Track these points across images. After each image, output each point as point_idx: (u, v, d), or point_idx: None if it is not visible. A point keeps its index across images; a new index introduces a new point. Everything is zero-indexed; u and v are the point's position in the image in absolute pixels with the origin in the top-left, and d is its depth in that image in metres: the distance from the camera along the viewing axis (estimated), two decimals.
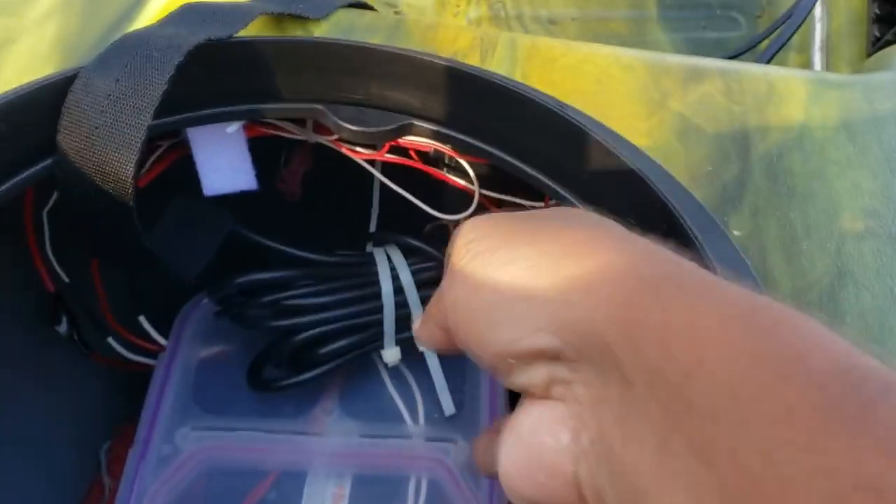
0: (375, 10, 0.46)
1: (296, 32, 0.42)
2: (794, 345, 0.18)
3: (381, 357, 0.46)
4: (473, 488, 0.42)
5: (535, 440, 0.22)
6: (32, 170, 0.34)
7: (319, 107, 0.38)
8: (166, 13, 0.38)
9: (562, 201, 0.36)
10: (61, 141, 0.33)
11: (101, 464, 0.50)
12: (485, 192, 0.43)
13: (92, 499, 0.49)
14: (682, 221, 0.31)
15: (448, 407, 0.46)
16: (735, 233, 0.35)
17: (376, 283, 0.44)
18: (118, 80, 0.32)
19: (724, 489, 0.17)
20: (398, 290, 0.45)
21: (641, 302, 0.20)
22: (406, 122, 0.38)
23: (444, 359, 0.46)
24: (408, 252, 0.46)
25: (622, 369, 0.19)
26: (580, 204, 0.35)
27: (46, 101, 0.33)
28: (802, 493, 0.15)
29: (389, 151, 0.41)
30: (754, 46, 0.64)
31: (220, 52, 0.35)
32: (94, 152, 0.32)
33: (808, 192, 0.37)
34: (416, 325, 0.31)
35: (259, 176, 0.42)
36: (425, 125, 0.38)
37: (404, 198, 0.43)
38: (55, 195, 0.39)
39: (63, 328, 0.46)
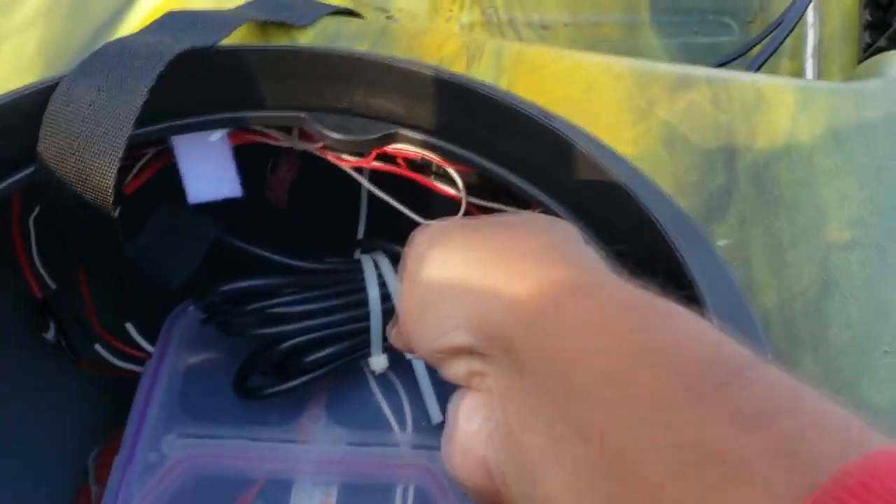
0: (362, 17, 0.46)
1: (281, 40, 0.41)
2: (666, 336, 0.20)
3: (368, 364, 0.46)
4: (460, 496, 0.41)
5: (456, 425, 0.25)
6: (14, 178, 0.33)
7: (304, 115, 0.38)
8: (150, 20, 0.38)
9: (547, 210, 0.36)
10: (42, 150, 0.33)
11: (89, 471, 0.50)
12: (472, 199, 0.43)
13: None
14: (664, 232, 0.30)
15: (435, 414, 0.45)
16: (721, 242, 0.35)
17: (363, 290, 0.44)
18: (99, 88, 0.32)
19: (594, 465, 0.19)
20: (385, 297, 0.44)
21: (541, 302, 0.22)
22: (391, 130, 0.38)
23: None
24: (395, 259, 0.45)
25: (522, 362, 0.22)
26: (564, 213, 0.35)
27: (27, 109, 0.33)
28: (657, 465, 0.17)
29: (377, 159, 0.41)
30: (746, 52, 0.63)
31: (204, 61, 0.35)
32: (74, 161, 0.32)
33: (794, 202, 0.37)
34: (390, 329, 0.32)
35: (246, 183, 0.42)
36: (411, 134, 0.38)
37: (392, 205, 0.43)
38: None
39: (50, 335, 0.46)
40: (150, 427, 0.44)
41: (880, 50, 0.58)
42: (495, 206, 0.42)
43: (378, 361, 0.46)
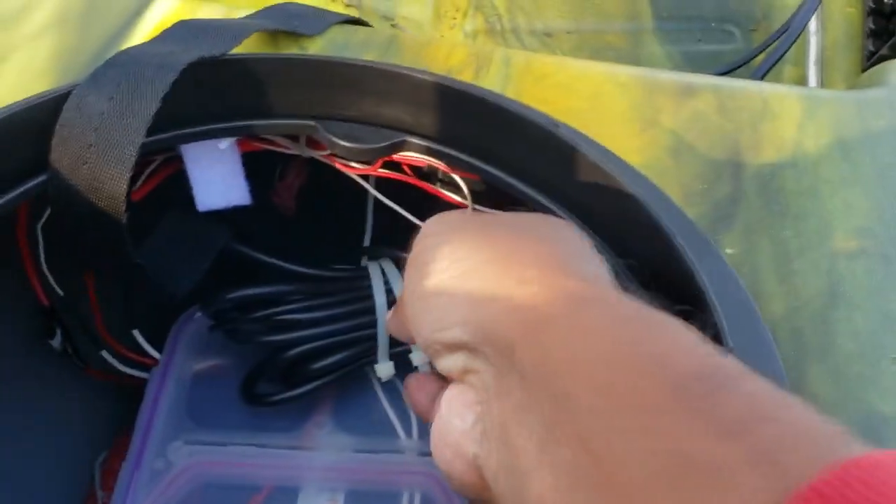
0: (371, 27, 0.46)
1: (290, 49, 0.42)
2: (657, 348, 0.20)
3: (374, 371, 0.46)
4: (466, 503, 0.42)
5: (447, 420, 0.25)
6: (24, 187, 0.34)
7: (313, 123, 0.38)
8: (161, 30, 0.38)
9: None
10: (54, 159, 0.33)
11: (95, 477, 0.50)
12: (478, 207, 0.43)
13: None
14: (673, 240, 0.30)
15: None
16: (728, 251, 0.36)
17: (370, 297, 0.44)
18: (111, 98, 0.32)
19: (579, 469, 0.19)
20: (392, 304, 0.45)
21: (544, 311, 0.23)
22: (400, 139, 0.38)
23: None
24: (402, 266, 0.46)
25: (523, 366, 0.22)
26: (572, 221, 0.35)
27: (39, 118, 0.33)
28: (638, 471, 0.18)
29: (383, 166, 0.41)
30: (750, 60, 0.64)
31: (214, 70, 0.35)
32: (86, 170, 0.32)
33: (800, 211, 0.37)
34: (388, 315, 0.33)
35: (254, 190, 0.42)
36: (419, 142, 0.38)
37: (398, 212, 0.43)
38: (49, 210, 0.39)
39: (57, 342, 0.46)
40: (156, 434, 0.44)
41: (884, 58, 0.58)
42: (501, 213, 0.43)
43: (384, 368, 0.46)
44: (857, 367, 0.32)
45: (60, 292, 0.44)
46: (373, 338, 0.44)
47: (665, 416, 0.18)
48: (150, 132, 0.33)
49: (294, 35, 0.42)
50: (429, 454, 0.44)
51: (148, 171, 0.40)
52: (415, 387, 0.30)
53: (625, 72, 0.43)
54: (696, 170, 0.38)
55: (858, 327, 0.33)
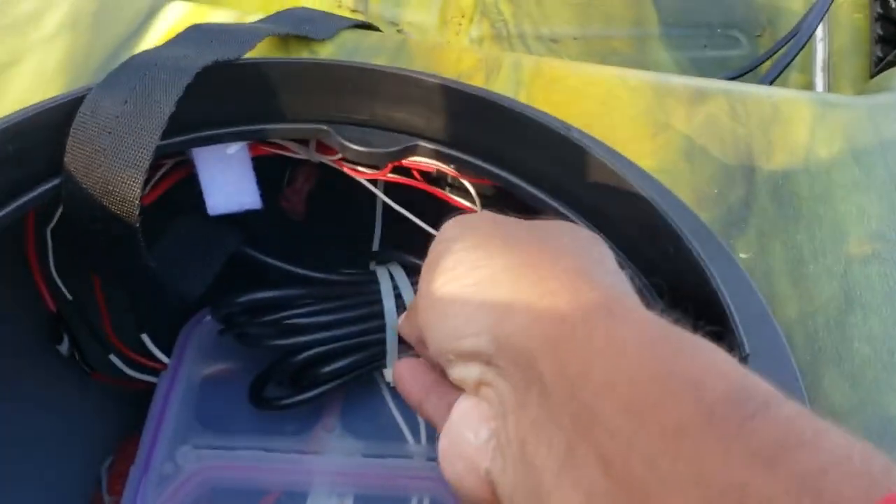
0: (380, 31, 0.46)
1: (302, 53, 0.42)
2: (691, 369, 0.20)
3: (383, 376, 0.46)
4: None
5: (459, 433, 0.24)
6: (38, 191, 0.34)
7: (325, 127, 0.38)
8: (174, 33, 0.38)
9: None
10: (68, 161, 0.33)
11: (102, 481, 0.50)
12: (487, 211, 0.43)
13: None
14: (688, 244, 0.30)
15: None
16: (741, 255, 0.35)
17: (379, 301, 0.44)
18: (126, 101, 0.32)
19: (614, 493, 0.19)
20: (401, 308, 0.44)
21: (570, 325, 0.22)
22: (411, 143, 0.38)
23: None
24: (411, 270, 0.45)
25: (543, 381, 0.21)
26: (584, 225, 0.35)
27: (53, 122, 0.33)
28: (678, 498, 0.17)
29: (392, 171, 0.41)
30: (757, 66, 0.64)
31: (227, 74, 0.35)
32: (100, 173, 0.32)
33: (813, 216, 0.37)
34: (401, 318, 0.32)
35: (264, 194, 0.42)
36: (430, 146, 0.38)
37: (407, 216, 0.43)
38: (59, 213, 0.39)
39: (64, 347, 0.46)
40: (165, 438, 0.44)
41: (892, 64, 0.58)
42: None
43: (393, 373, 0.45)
44: (872, 372, 0.32)
45: (69, 296, 0.44)
46: (381, 342, 0.44)
47: (706, 441, 0.18)
48: (162, 136, 0.33)
49: (305, 39, 0.42)
50: (437, 459, 0.44)
51: (158, 174, 0.40)
52: (408, 375, 0.30)
53: (635, 76, 0.43)
54: (710, 174, 0.38)
55: (874, 332, 0.33)
